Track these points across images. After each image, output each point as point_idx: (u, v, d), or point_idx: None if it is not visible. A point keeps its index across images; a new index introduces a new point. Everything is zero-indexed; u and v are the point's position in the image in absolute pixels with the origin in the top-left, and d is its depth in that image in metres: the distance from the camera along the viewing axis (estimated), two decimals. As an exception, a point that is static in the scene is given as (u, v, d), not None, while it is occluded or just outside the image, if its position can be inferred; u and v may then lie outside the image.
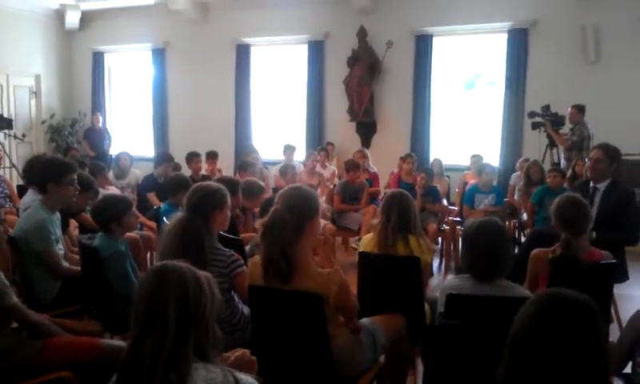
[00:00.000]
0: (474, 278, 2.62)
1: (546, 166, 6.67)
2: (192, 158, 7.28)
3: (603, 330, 1.43)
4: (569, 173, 6.55)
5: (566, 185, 5.86)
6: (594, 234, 3.91)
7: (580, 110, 7.15)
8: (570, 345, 1.38)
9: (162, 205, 5.28)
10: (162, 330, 1.42)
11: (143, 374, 1.39)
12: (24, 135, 9.98)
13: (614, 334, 3.31)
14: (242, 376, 1.51)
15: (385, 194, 4.10)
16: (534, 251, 3.29)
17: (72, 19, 11.12)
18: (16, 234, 3.48)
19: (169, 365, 1.39)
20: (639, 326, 2.45)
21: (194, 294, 1.48)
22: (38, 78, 11.05)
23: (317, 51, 9.83)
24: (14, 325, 2.62)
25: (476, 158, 7.52)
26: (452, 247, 6.42)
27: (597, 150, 4.52)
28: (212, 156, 7.96)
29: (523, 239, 6.14)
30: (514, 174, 7.58)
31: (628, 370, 2.52)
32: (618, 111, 7.78)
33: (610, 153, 4.40)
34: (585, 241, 3.21)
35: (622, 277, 4.01)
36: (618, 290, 3.86)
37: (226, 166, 9.16)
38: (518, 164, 7.60)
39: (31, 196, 4.33)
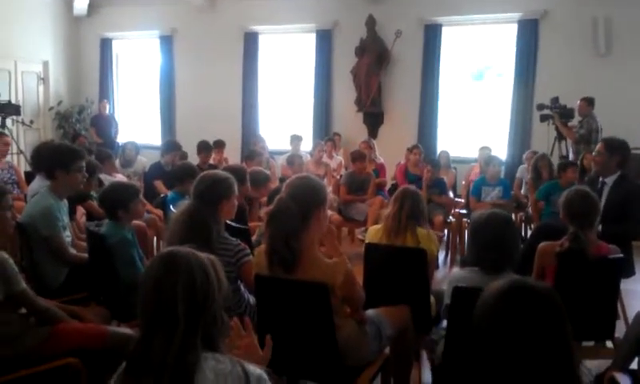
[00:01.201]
0: (481, 271, 2.62)
1: (554, 159, 6.62)
2: (204, 148, 7.23)
3: (568, 323, 1.43)
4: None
5: (573, 178, 5.82)
6: (600, 227, 3.88)
7: (589, 102, 7.10)
8: (535, 335, 1.39)
9: (169, 193, 5.30)
10: (171, 323, 1.41)
11: (153, 366, 1.39)
12: (32, 122, 10.01)
13: (620, 329, 3.29)
14: (251, 367, 1.51)
15: (392, 185, 4.14)
16: (542, 244, 3.27)
17: (80, 5, 11.11)
18: (24, 220, 3.49)
19: (179, 356, 1.40)
20: (646, 321, 2.44)
21: (201, 283, 1.47)
22: (45, 64, 11.05)
23: (325, 40, 9.78)
24: (22, 311, 2.63)
25: (485, 150, 7.48)
26: (458, 239, 6.41)
27: (600, 143, 4.52)
28: (219, 145, 7.94)
29: (530, 232, 6.10)
30: (520, 167, 7.53)
31: (634, 365, 2.51)
32: (627, 104, 7.73)
33: (611, 146, 4.34)
34: (593, 234, 3.19)
35: (629, 272, 4.00)
36: (625, 285, 3.82)
37: (233, 156, 9.15)
38: (524, 156, 7.55)
39: (39, 182, 4.36)
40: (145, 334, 1.44)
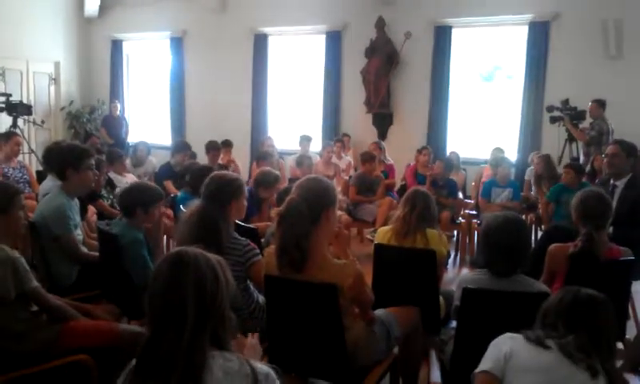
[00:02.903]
0: (491, 273, 2.61)
1: (565, 161, 6.60)
2: (213, 148, 7.25)
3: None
4: (587, 168, 6.48)
5: (585, 179, 5.80)
6: (611, 229, 3.86)
7: (601, 104, 7.07)
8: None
9: (178, 193, 5.32)
10: (181, 322, 1.42)
11: (162, 364, 1.40)
12: (43, 122, 10.08)
13: (631, 331, 3.28)
14: (259, 365, 1.51)
15: (401, 186, 4.14)
16: (552, 246, 3.25)
17: (91, 7, 11.21)
18: (36, 219, 3.52)
19: (188, 355, 1.40)
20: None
21: (210, 284, 1.48)
22: (57, 64, 11.13)
23: (335, 41, 9.79)
24: (34, 308, 2.66)
25: (497, 152, 7.46)
26: (467, 240, 6.39)
27: (612, 145, 4.58)
28: (227, 145, 7.96)
29: (540, 234, 6.09)
30: (528, 169, 7.50)
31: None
32: (638, 106, 7.66)
33: (627, 148, 4.42)
34: (605, 236, 3.18)
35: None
36: (635, 286, 3.81)
37: (242, 156, 9.17)
38: (530, 158, 7.51)
39: (50, 182, 4.39)
40: (154, 332, 1.45)
